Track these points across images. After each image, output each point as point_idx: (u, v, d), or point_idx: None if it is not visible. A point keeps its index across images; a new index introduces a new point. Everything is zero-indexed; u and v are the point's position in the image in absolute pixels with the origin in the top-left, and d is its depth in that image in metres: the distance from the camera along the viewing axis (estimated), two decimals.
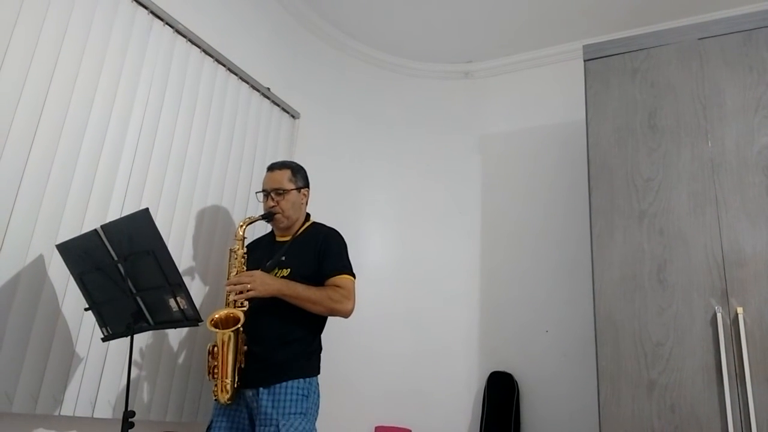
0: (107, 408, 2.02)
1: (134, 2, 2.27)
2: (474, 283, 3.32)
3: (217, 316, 2.02)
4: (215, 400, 2.04)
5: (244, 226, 2.21)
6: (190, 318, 1.73)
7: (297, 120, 3.21)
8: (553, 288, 3.09)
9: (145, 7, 2.31)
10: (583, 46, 2.60)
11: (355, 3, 3.27)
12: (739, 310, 2.02)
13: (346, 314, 2.12)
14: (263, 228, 2.59)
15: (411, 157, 3.65)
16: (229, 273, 2.16)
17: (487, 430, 2.93)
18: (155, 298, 1.74)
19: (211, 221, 2.56)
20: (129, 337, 1.73)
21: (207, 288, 2.49)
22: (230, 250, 2.21)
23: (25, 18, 1.88)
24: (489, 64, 3.68)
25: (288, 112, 3.15)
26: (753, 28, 2.30)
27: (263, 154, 2.93)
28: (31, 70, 1.88)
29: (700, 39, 2.38)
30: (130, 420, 1.62)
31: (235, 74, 2.77)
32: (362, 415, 3.10)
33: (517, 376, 3.02)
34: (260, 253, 2.28)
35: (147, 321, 1.78)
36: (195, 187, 2.48)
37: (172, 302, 1.72)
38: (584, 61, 2.57)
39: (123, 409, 1.64)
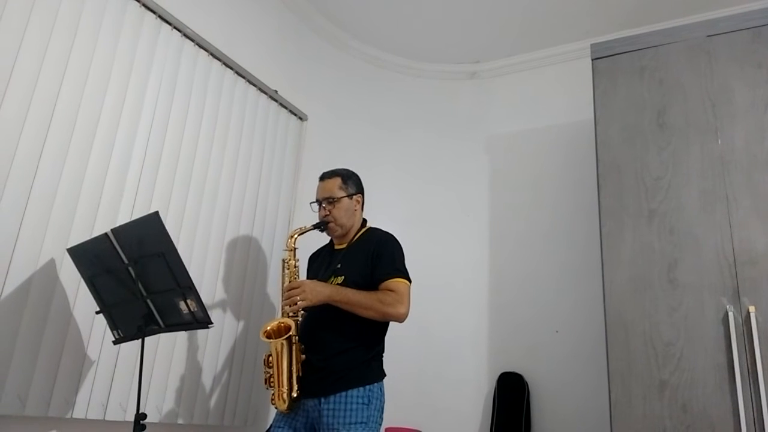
0: (119, 410, 2.03)
1: (142, 7, 2.28)
2: (482, 284, 3.31)
3: (269, 327, 2.05)
4: (275, 407, 2.04)
5: (295, 237, 2.21)
6: (201, 321, 1.74)
7: (305, 122, 3.22)
8: (562, 288, 3.07)
9: (153, 12, 2.32)
10: (591, 45, 2.59)
11: (361, 4, 3.27)
12: (751, 308, 2.00)
13: (399, 318, 2.06)
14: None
15: (417, 157, 3.64)
16: (282, 283, 2.16)
17: (497, 431, 2.92)
18: (166, 301, 1.75)
19: (221, 223, 2.57)
20: (140, 340, 1.74)
21: (216, 291, 2.50)
22: (282, 260, 2.22)
23: (35, 24, 1.90)
24: (495, 64, 3.67)
25: (296, 115, 3.15)
26: (762, 25, 2.29)
27: (271, 157, 2.94)
28: (41, 75, 1.90)
29: (708, 36, 2.37)
30: (141, 422, 1.63)
31: (243, 77, 2.78)
32: None
33: (527, 377, 3.01)
34: (319, 263, 2.30)
35: (158, 324, 1.79)
36: (204, 190, 2.49)
37: (182, 305, 1.72)
38: (592, 59, 2.56)
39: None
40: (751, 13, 2.33)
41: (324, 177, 2.32)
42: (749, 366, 1.97)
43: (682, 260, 2.16)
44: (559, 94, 3.39)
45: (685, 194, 2.23)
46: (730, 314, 2.03)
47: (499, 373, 3.06)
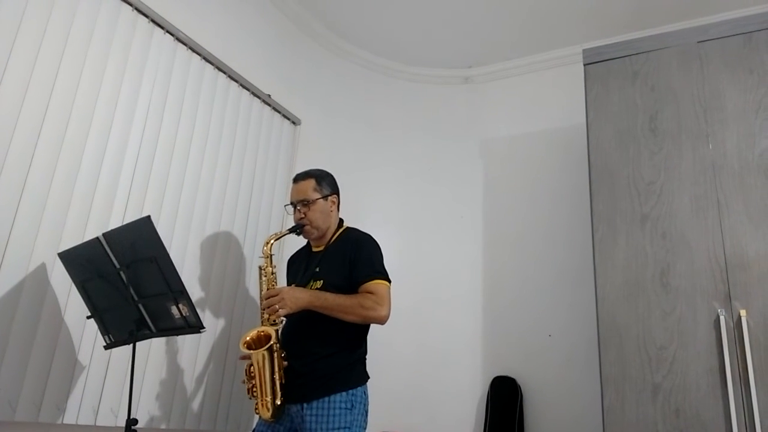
0: (110, 416, 2.02)
1: (135, 11, 2.28)
2: (476, 288, 3.31)
3: (248, 337, 2.01)
4: (258, 415, 2.02)
5: (271, 242, 2.16)
6: (192, 325, 1.73)
7: (298, 126, 3.22)
8: (556, 292, 3.08)
9: (146, 16, 2.32)
10: (583, 50, 2.60)
11: (355, 9, 3.28)
12: (743, 312, 2.01)
13: (380, 321, 2.04)
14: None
15: (412, 162, 3.65)
16: (260, 291, 2.12)
17: None
18: (157, 306, 1.74)
19: (214, 228, 2.56)
20: (132, 345, 1.73)
21: (209, 296, 2.49)
22: (259, 267, 2.17)
23: (27, 28, 1.89)
24: (489, 69, 3.69)
25: (289, 119, 3.15)
26: (753, 30, 2.30)
27: (264, 161, 2.93)
28: (33, 80, 1.89)
29: (700, 42, 2.39)
30: (132, 428, 1.62)
31: (236, 81, 2.77)
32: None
33: (520, 381, 3.01)
34: (297, 266, 2.27)
35: (149, 328, 1.78)
36: (197, 195, 2.49)
37: (174, 309, 1.72)
38: (584, 64, 2.57)
39: (129, 417, 1.64)
40: (743, 19, 2.35)
41: (297, 179, 2.27)
42: (740, 369, 1.97)
43: (675, 265, 2.17)
44: (553, 99, 3.41)
45: (677, 199, 2.24)
46: (722, 318, 2.04)
47: (492, 377, 3.06)
